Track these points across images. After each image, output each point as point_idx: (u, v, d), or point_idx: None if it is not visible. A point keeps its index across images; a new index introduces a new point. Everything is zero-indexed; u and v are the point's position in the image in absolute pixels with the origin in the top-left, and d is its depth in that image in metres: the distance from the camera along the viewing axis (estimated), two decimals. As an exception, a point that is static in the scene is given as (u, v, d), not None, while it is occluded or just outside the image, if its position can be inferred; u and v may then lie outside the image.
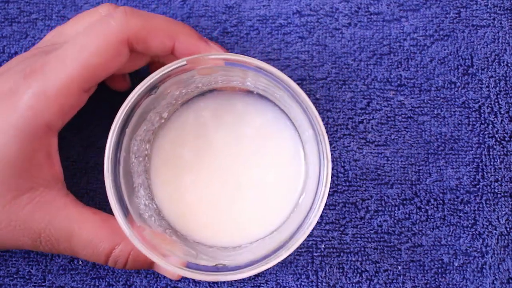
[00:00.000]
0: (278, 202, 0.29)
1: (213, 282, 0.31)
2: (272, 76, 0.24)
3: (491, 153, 0.32)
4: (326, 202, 0.31)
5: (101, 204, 0.31)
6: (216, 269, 0.24)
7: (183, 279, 0.31)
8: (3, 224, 0.25)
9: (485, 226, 0.31)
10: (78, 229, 0.26)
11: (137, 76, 0.31)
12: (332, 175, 0.32)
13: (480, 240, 0.31)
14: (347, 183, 0.32)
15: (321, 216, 0.31)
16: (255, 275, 0.31)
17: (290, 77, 0.24)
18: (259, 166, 0.29)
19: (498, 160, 0.32)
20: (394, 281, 0.31)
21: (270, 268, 0.31)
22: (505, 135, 0.32)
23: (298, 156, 0.29)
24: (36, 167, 0.25)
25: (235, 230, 0.29)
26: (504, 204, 0.31)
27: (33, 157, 0.25)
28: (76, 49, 0.24)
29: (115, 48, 0.24)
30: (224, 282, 0.31)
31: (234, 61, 0.24)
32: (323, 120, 0.27)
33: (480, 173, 0.32)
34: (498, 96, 0.32)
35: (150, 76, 0.24)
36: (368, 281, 0.31)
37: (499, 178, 0.32)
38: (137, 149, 0.27)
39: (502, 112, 0.32)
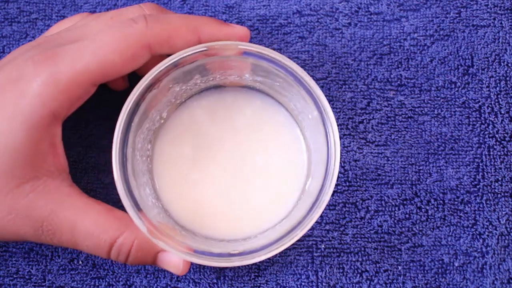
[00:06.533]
0: (284, 188, 0.29)
1: (214, 282, 0.31)
2: (273, 61, 0.25)
3: (491, 153, 0.32)
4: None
5: (101, 204, 0.31)
6: (230, 255, 0.24)
7: (183, 279, 0.31)
8: (5, 212, 0.25)
9: (485, 226, 0.31)
10: (81, 219, 0.25)
11: (135, 76, 0.31)
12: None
13: (481, 240, 0.31)
14: (347, 183, 0.32)
15: (321, 216, 0.31)
16: (255, 276, 0.31)
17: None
18: (258, 152, 0.29)
19: (499, 160, 0.32)
20: (394, 281, 0.31)
21: (273, 264, 0.31)
22: (506, 135, 0.32)
23: (296, 137, 0.29)
24: (40, 156, 0.25)
25: (245, 221, 0.29)
26: (504, 204, 0.31)
27: (38, 145, 0.25)
28: (96, 44, 0.25)
29: (135, 50, 0.25)
30: (224, 282, 0.31)
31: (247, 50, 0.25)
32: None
33: (480, 173, 0.32)
34: (499, 96, 0.32)
35: (166, 60, 0.24)
36: (368, 281, 0.31)
37: (500, 178, 0.32)
38: (141, 147, 0.27)
39: (503, 112, 0.32)
